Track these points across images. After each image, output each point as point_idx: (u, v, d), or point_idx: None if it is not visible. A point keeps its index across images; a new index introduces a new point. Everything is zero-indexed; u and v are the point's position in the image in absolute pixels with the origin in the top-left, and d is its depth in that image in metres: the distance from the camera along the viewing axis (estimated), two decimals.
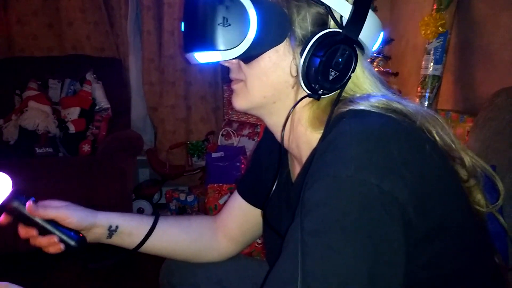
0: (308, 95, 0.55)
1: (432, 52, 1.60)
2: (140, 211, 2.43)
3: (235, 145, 2.20)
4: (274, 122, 0.62)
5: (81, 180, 1.90)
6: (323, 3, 0.52)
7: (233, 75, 0.60)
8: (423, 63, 1.65)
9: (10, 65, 2.42)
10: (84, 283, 1.77)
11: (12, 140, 2.15)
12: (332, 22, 0.54)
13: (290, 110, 0.57)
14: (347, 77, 0.54)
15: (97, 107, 2.37)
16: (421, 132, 0.49)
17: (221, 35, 0.53)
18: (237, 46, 0.52)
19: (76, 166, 1.99)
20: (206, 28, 0.53)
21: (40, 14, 2.54)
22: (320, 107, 0.57)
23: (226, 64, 0.60)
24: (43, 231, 0.67)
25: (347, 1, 0.53)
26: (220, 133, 2.31)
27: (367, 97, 0.53)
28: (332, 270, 0.39)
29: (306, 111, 0.58)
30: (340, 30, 0.53)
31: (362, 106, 0.50)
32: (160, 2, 2.53)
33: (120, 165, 1.99)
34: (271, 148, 0.74)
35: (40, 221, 0.67)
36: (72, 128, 2.25)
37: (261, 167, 0.79)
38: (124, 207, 2.00)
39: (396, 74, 1.96)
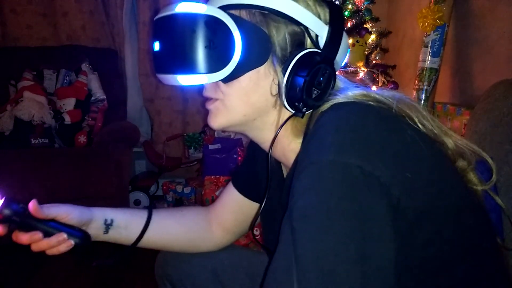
0: (293, 114, 0.56)
1: (429, 44, 1.60)
2: (137, 203, 2.43)
3: (232, 137, 2.20)
4: (256, 136, 0.63)
5: (77, 172, 1.89)
6: (300, 24, 0.54)
7: (208, 93, 0.60)
8: (420, 55, 1.64)
9: (4, 55, 2.39)
10: (77, 277, 1.77)
11: (7, 131, 2.13)
12: (308, 42, 0.56)
13: (277, 131, 0.58)
14: (327, 94, 0.56)
15: (93, 98, 2.35)
16: (401, 117, 0.50)
17: (208, 58, 0.52)
18: (223, 68, 0.53)
19: (72, 158, 1.98)
20: (192, 50, 0.52)
21: (34, 3, 2.50)
22: (301, 120, 0.58)
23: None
24: (47, 233, 0.64)
25: (322, 21, 0.55)
26: None
27: (344, 90, 0.55)
28: (322, 250, 0.40)
29: (288, 125, 0.59)
30: (319, 50, 0.55)
31: (341, 99, 0.52)
32: None
33: (116, 157, 1.98)
34: None
35: (42, 223, 0.64)
36: (67, 119, 2.23)
37: (255, 160, 0.80)
38: (120, 198, 2.00)
39: (393, 67, 1.96)
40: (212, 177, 1.86)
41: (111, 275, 1.77)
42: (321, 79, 0.54)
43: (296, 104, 0.54)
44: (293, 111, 0.56)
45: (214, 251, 0.85)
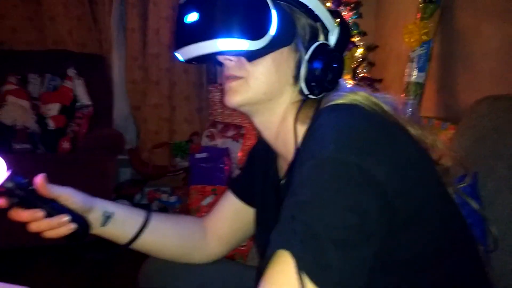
0: (308, 95, 0.62)
1: (415, 60, 1.63)
2: None
3: (219, 146, 2.19)
4: (265, 119, 0.66)
5: (60, 178, 1.82)
6: (317, 19, 0.62)
7: (231, 72, 0.63)
8: (406, 70, 1.67)
9: None
10: (61, 284, 1.72)
11: None
12: (321, 37, 0.64)
13: (299, 110, 0.62)
14: (339, 79, 0.63)
15: (78, 104, 2.32)
16: (395, 120, 0.54)
17: (250, 26, 0.58)
18: (261, 38, 0.57)
19: (54, 163, 1.94)
20: (237, 17, 0.58)
21: (20, 7, 2.47)
22: (308, 104, 0.63)
23: (225, 61, 0.62)
24: (48, 213, 0.61)
25: (334, 21, 0.64)
26: (204, 134, 2.29)
27: (344, 91, 0.59)
28: (312, 232, 0.43)
29: (295, 107, 0.63)
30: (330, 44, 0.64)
31: (339, 100, 0.56)
32: (145, 0, 2.50)
33: (100, 164, 1.95)
34: (265, 149, 0.76)
35: (44, 202, 0.61)
36: (51, 124, 2.19)
37: (254, 165, 0.81)
38: None
39: (380, 81, 1.99)
40: (199, 186, 1.85)
41: (93, 286, 1.72)
42: (335, 65, 0.61)
43: (313, 84, 0.60)
44: (308, 92, 0.61)
45: (202, 265, 0.83)
